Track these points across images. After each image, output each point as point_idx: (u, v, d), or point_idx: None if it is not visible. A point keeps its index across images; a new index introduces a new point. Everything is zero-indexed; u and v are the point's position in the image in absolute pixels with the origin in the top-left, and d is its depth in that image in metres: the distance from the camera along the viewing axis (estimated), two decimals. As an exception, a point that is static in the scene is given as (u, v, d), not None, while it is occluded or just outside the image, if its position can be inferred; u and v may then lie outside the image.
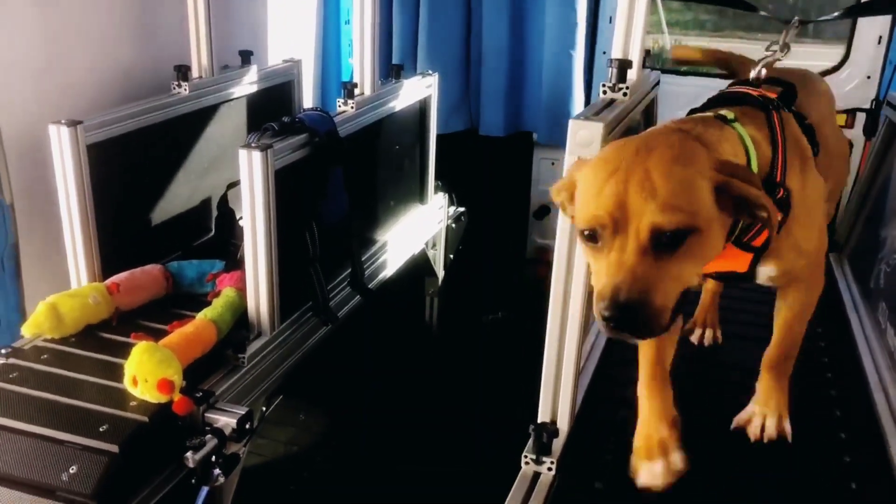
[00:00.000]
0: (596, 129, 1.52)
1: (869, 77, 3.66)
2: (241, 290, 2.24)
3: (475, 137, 3.90)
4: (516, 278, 4.19)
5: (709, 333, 2.21)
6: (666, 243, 1.16)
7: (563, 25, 3.62)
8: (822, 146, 1.67)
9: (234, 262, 2.40)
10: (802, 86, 1.75)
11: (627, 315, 1.14)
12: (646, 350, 1.65)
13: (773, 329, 1.67)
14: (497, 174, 4.03)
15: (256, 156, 2.05)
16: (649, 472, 1.53)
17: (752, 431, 1.69)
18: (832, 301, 2.45)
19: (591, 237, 1.22)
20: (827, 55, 3.94)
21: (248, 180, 2.07)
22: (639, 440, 1.59)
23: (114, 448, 1.69)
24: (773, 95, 1.65)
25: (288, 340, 2.32)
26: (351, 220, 2.58)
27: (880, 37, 3.59)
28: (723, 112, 1.48)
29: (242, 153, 2.06)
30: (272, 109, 3.00)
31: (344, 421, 3.16)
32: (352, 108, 2.59)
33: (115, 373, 1.90)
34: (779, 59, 1.75)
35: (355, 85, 2.68)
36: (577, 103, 3.73)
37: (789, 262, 1.51)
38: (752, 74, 1.70)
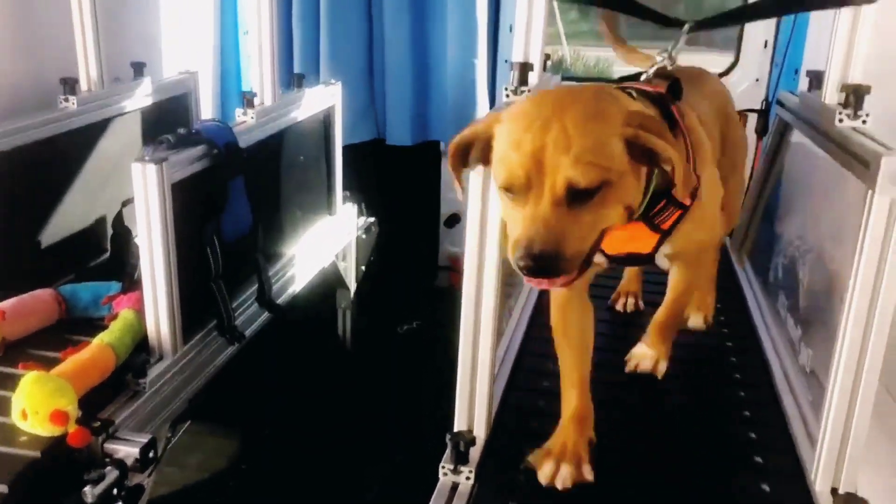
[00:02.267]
0: (500, 131, 1.51)
1: (758, 79, 3.83)
2: (141, 312, 2.13)
3: (383, 147, 3.86)
4: (430, 287, 4.17)
5: (631, 301, 2.42)
6: (580, 196, 1.23)
7: (465, 34, 3.62)
8: (721, 146, 1.72)
9: (132, 282, 2.28)
10: (694, 83, 1.81)
11: (541, 264, 1.21)
12: (566, 358, 1.70)
13: (667, 293, 1.90)
14: (406, 183, 4.01)
15: (151, 169, 1.95)
16: (551, 472, 1.57)
17: (629, 367, 2.02)
18: (735, 296, 2.53)
19: (510, 189, 1.27)
20: (719, 61, 4.11)
21: (143, 196, 1.97)
22: (554, 443, 1.62)
23: (2, 488, 1.56)
24: (661, 90, 1.69)
25: (192, 362, 2.22)
26: (256, 234, 2.50)
27: (766, 41, 3.76)
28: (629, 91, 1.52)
29: (136, 167, 1.96)
30: (168, 123, 2.88)
31: (258, 441, 3.05)
32: (252, 118, 2.52)
33: (2, 407, 1.77)
34: (667, 67, 1.78)
35: (255, 95, 2.60)
36: (483, 112, 3.74)
37: (679, 247, 1.60)
38: (643, 78, 1.74)
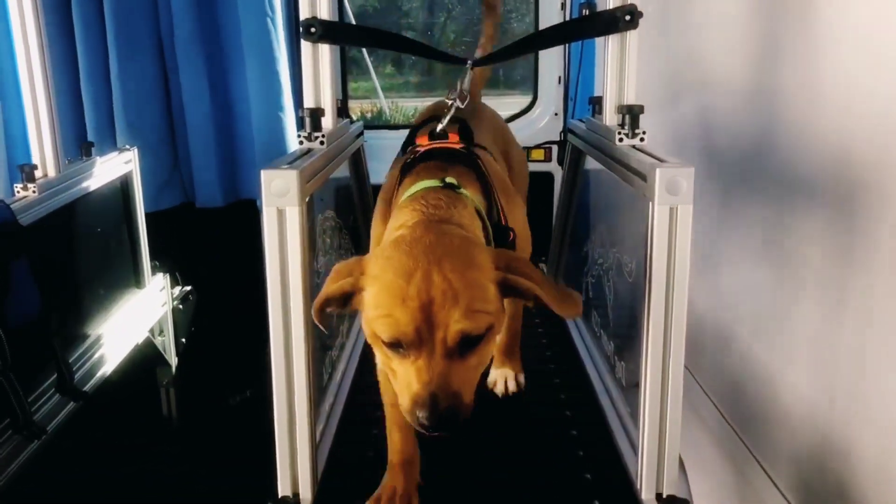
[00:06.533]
0: (290, 176, 1.47)
1: (556, 114, 4.05)
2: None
3: (193, 211, 3.70)
4: (262, 351, 3.99)
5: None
6: (469, 343, 1.26)
7: (268, 88, 3.56)
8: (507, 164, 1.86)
9: None
10: (472, 117, 1.92)
11: (446, 419, 1.22)
12: (389, 398, 1.66)
13: None
14: (224, 246, 3.84)
15: None
16: None
17: (499, 389, 2.08)
18: (555, 319, 2.60)
19: (396, 345, 1.26)
20: (521, 101, 4.32)
21: None
22: (384, 489, 1.63)
23: None
24: (456, 137, 1.73)
25: (-17, 468, 1.98)
26: (49, 318, 2.29)
27: (560, 77, 3.99)
28: (448, 179, 1.58)
29: None
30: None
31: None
32: (34, 192, 2.32)
33: None
34: (460, 107, 1.84)
35: (35, 167, 2.40)
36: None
37: None
38: (440, 127, 1.77)
